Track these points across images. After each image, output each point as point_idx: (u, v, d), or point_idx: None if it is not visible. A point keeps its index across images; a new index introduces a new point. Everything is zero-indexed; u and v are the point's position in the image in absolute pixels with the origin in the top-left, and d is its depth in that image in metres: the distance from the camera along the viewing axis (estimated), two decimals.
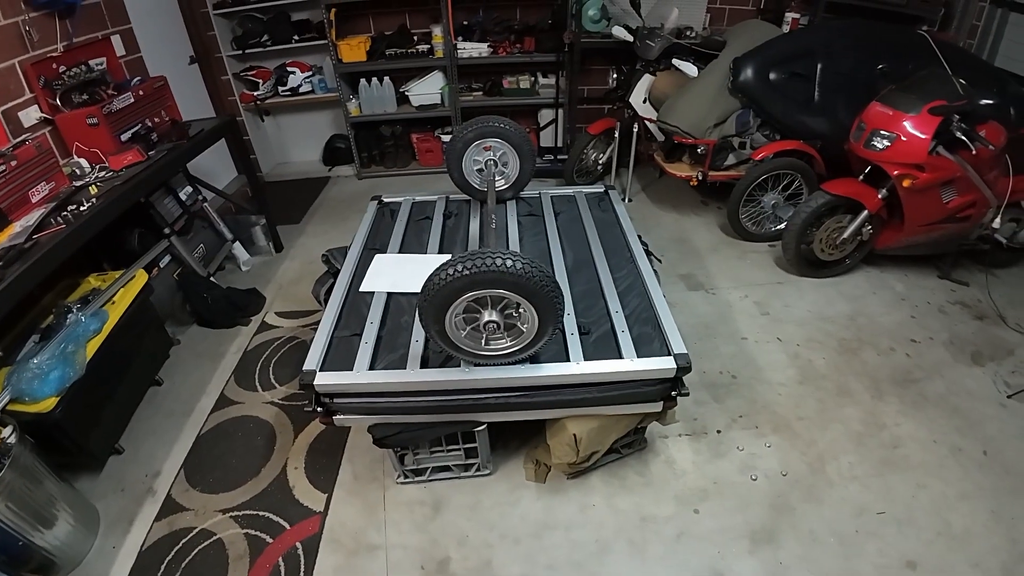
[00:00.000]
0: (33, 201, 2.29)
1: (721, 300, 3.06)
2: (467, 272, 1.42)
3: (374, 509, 2.11)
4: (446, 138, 4.40)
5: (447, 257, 2.12)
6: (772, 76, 3.13)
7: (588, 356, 1.75)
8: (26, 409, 1.96)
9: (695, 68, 3.28)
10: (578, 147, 3.90)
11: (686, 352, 1.74)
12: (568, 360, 1.73)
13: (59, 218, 2.18)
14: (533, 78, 4.20)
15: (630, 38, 3.50)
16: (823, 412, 2.37)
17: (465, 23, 4.02)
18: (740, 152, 3.28)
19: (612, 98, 3.82)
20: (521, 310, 1.55)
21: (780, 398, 2.44)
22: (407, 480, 2.14)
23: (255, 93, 4.17)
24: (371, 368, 1.78)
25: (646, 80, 3.54)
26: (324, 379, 1.76)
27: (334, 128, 4.74)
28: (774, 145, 3.16)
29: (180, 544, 2.03)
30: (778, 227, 3.40)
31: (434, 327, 1.57)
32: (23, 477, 1.82)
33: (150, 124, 2.92)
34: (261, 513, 2.13)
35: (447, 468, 2.12)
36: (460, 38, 3.96)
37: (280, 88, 4.20)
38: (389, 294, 2.07)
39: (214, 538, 2.05)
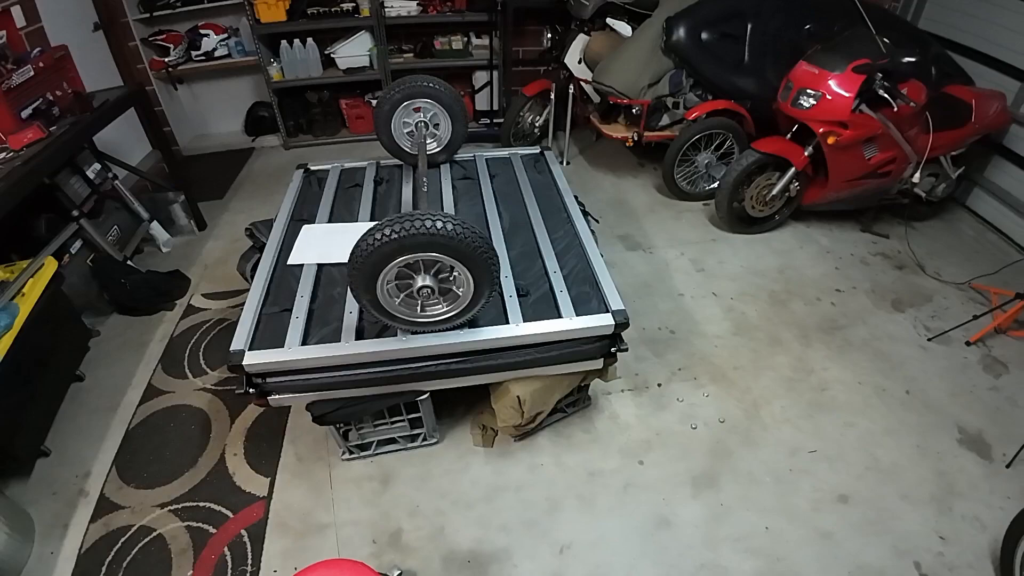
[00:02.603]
0: None
1: (658, 259, 3.13)
2: (395, 236, 1.35)
3: (321, 488, 2.05)
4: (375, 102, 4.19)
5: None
6: (704, 36, 3.15)
7: (527, 317, 1.74)
8: None
9: (629, 28, 3.25)
10: (514, 110, 3.82)
11: (624, 308, 1.76)
12: (507, 323, 1.71)
13: None
14: (466, 39, 4.04)
15: None
16: (756, 361, 2.49)
17: None
18: (674, 112, 3.31)
19: (547, 59, 3.74)
20: (456, 274, 1.50)
21: (716, 350, 2.55)
22: (353, 456, 2.09)
23: (166, 59, 3.77)
24: (303, 343, 1.69)
25: (580, 40, 3.48)
26: (254, 358, 1.66)
27: (256, 95, 4.39)
28: (706, 105, 3.21)
29: (119, 544, 1.90)
30: (711, 186, 3.50)
31: (365, 296, 1.50)
32: None
33: (51, 98, 2.59)
34: (202, 504, 2.02)
35: (393, 441, 2.08)
36: None
37: (193, 53, 3.83)
38: (319, 266, 1.97)
39: (154, 534, 1.93)
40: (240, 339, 1.70)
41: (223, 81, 4.31)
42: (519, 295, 1.83)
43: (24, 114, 2.42)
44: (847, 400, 2.32)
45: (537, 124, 4.00)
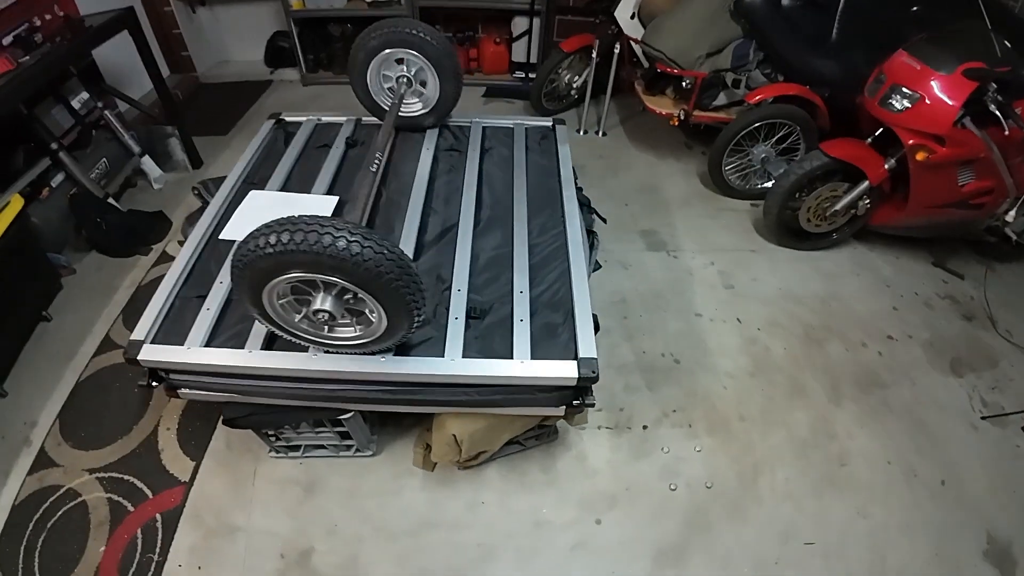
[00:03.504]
0: None
1: (682, 265, 2.68)
2: (272, 250, 1.04)
3: (243, 485, 1.87)
4: None
5: (334, 201, 1.72)
6: (785, 1, 2.51)
7: (469, 350, 1.41)
8: None
9: None
10: (548, 66, 3.31)
11: (594, 358, 1.40)
12: (443, 355, 1.39)
13: None
14: None
15: None
16: (769, 413, 2.08)
17: None
18: (733, 91, 2.73)
19: (595, 9, 3.17)
20: (362, 298, 1.18)
21: (724, 392, 2.14)
22: (280, 455, 1.89)
23: None
24: (208, 344, 1.45)
25: None
26: (152, 354, 1.43)
27: (277, 24, 4.05)
28: (774, 87, 2.61)
29: (48, 503, 1.84)
30: (765, 184, 2.94)
31: (254, 309, 1.22)
32: None
33: (38, 23, 2.39)
34: (126, 477, 1.91)
35: (323, 446, 1.86)
36: None
37: None
38: None
39: (79, 500, 1.85)
40: (142, 328, 1.47)
41: (245, 5, 3.99)
42: (470, 316, 1.50)
43: (5, 41, 2.23)
44: (868, 481, 1.89)
45: (575, 85, 3.49)
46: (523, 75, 3.86)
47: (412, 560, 1.70)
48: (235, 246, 1.11)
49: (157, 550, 1.74)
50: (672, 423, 2.03)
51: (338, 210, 1.78)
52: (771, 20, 2.52)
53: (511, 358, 1.38)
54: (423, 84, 1.97)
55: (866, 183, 2.31)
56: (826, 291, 2.55)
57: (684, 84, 2.75)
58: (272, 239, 1.05)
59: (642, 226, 2.88)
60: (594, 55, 3.15)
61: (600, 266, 2.03)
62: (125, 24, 2.71)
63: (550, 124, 2.22)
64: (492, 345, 1.44)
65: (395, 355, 1.39)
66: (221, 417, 1.65)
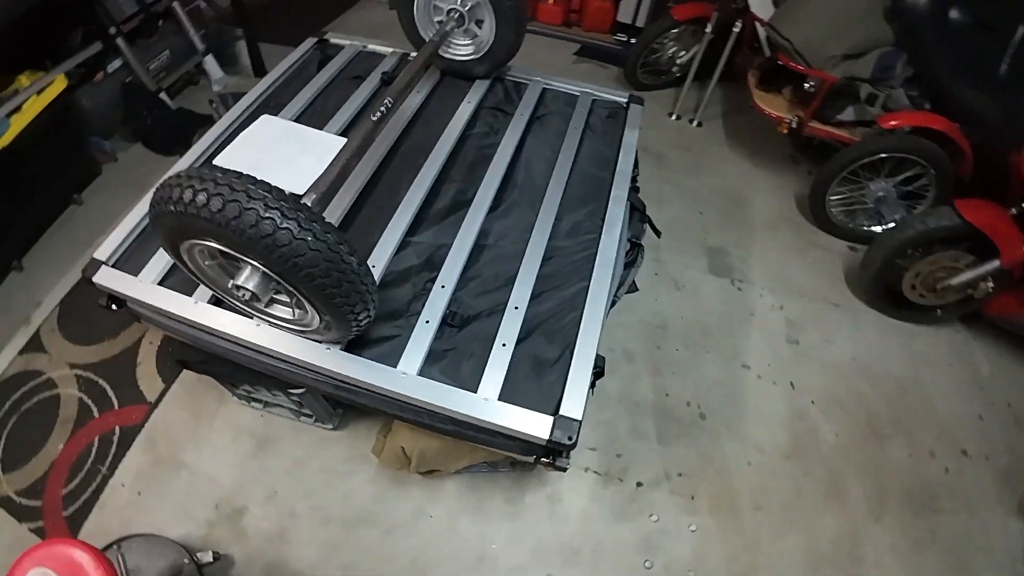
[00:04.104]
0: None
1: (745, 300, 2.26)
2: (178, 208, 0.82)
3: (202, 421, 1.79)
4: None
5: (342, 143, 1.49)
6: (954, 14, 1.94)
7: (430, 366, 1.17)
8: None
9: None
10: (651, 33, 2.85)
11: (578, 420, 1.11)
12: (395, 365, 1.15)
13: None
14: None
15: None
16: (792, 510, 1.71)
17: None
18: (864, 108, 2.18)
19: None
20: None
21: (747, 468, 1.79)
22: (243, 402, 1.78)
23: None
24: (161, 282, 1.30)
25: None
26: (106, 278, 1.32)
27: None
28: (916, 116, 2.05)
29: (27, 386, 1.88)
30: (873, 228, 2.40)
31: (176, 260, 1.03)
32: None
33: None
34: (100, 381, 1.89)
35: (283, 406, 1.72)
36: None
37: None
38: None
39: (54, 392, 1.87)
40: (107, 248, 1.36)
41: None
42: (446, 322, 1.24)
43: None
44: None
45: (679, 61, 2.99)
46: (624, 38, 3.38)
47: (338, 553, 1.55)
48: (154, 188, 0.90)
49: (107, 463, 1.71)
50: (672, 488, 1.72)
51: (365, 145, 1.55)
52: (933, 32, 1.94)
53: (475, 391, 1.12)
54: (479, 24, 1.65)
55: (996, 263, 1.79)
56: (908, 376, 2.06)
57: (807, 86, 2.22)
58: (176, 194, 0.83)
59: (711, 242, 2.46)
60: (708, 30, 2.64)
61: (636, 289, 1.70)
62: None
63: (625, 100, 1.84)
64: (460, 366, 1.18)
65: (345, 347, 1.17)
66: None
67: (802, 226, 2.58)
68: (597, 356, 1.24)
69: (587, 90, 1.85)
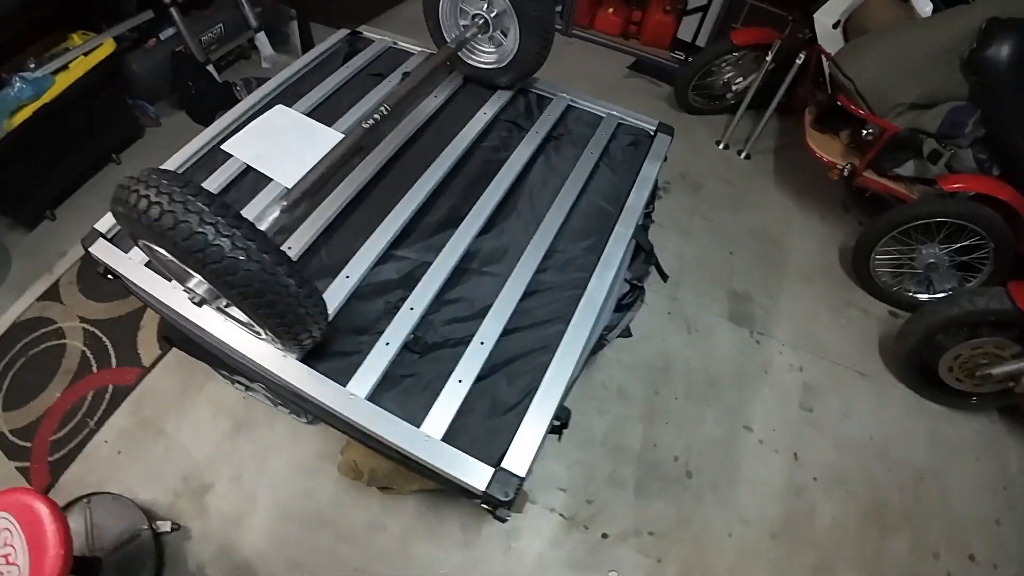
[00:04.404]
0: None
1: (762, 355, 2.10)
2: (123, 211, 0.82)
3: (188, 393, 1.84)
4: None
5: (338, 138, 1.47)
6: None
7: (383, 391, 1.13)
8: None
9: (930, 4, 1.87)
10: (707, 55, 2.69)
11: (521, 477, 1.03)
12: (344, 385, 1.11)
13: None
14: None
15: None
16: None
17: None
18: (926, 164, 1.95)
19: (793, 2, 2.43)
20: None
21: (727, 540, 1.66)
22: (225, 381, 1.80)
23: None
24: (149, 263, 1.31)
25: None
26: (100, 250, 1.35)
27: None
28: (982, 181, 1.84)
29: (39, 332, 1.99)
30: (919, 296, 2.17)
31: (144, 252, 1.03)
32: None
33: None
34: (104, 339, 1.98)
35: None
36: None
37: None
38: (248, 167, 1.51)
39: (61, 341, 1.97)
40: (108, 220, 1.39)
41: None
42: (407, 346, 1.19)
43: None
44: None
45: (735, 87, 2.81)
46: (683, 57, 3.22)
47: (288, 548, 1.56)
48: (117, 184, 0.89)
49: (96, 418, 1.79)
50: (640, 546, 1.62)
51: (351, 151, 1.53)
52: (1014, 92, 1.71)
53: (418, 426, 1.07)
54: (504, 33, 1.58)
55: None
56: (928, 465, 1.86)
57: (865, 132, 2.02)
58: (124, 195, 0.83)
59: (737, 286, 2.30)
60: (768, 57, 2.46)
61: (630, 334, 1.59)
62: None
63: (653, 128, 1.72)
64: (413, 396, 1.13)
65: (301, 356, 1.15)
66: None
67: (842, 282, 2.37)
68: (562, 408, 1.16)
69: (614, 112, 1.75)
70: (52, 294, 2.07)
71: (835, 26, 2.24)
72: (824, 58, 2.25)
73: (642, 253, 1.52)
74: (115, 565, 1.41)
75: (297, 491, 1.65)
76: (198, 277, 0.93)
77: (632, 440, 1.83)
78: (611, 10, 3.27)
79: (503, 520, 1.13)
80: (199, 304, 1.00)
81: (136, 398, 1.83)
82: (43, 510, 1.16)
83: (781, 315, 2.23)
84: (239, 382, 1.76)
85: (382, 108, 1.30)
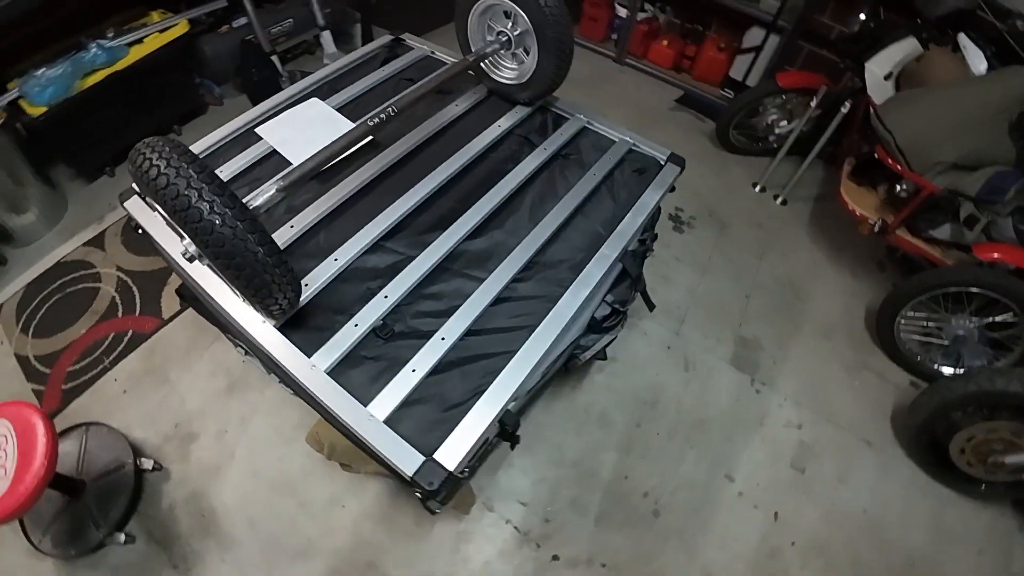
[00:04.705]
0: None
1: (759, 405, 2.02)
2: (132, 167, 0.94)
3: (195, 349, 1.99)
4: (622, 12, 3.34)
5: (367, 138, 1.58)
6: None
7: (345, 368, 1.18)
8: (26, 108, 2.15)
9: (984, 62, 1.78)
10: (752, 95, 2.65)
11: (448, 472, 1.05)
12: (309, 356, 1.18)
13: None
14: None
15: None
16: None
17: None
18: (962, 229, 1.83)
19: (845, 49, 2.36)
20: None
21: None
22: (231, 344, 1.93)
23: None
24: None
25: (907, 47, 2.07)
26: (133, 206, 1.49)
27: None
28: (1020, 253, 1.69)
29: (79, 273, 2.21)
30: (943, 368, 2.02)
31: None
32: None
33: None
34: (133, 288, 2.17)
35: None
36: None
37: None
38: (275, 151, 1.64)
39: (97, 285, 2.17)
40: None
41: None
42: (375, 332, 1.25)
43: None
44: None
45: (778, 130, 2.74)
46: (732, 95, 3.17)
47: (252, 506, 1.64)
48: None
49: (111, 358, 1.96)
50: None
51: (366, 148, 1.63)
52: None
53: (366, 405, 1.12)
54: (526, 51, 1.64)
55: None
56: (924, 550, 1.70)
57: (899, 188, 1.92)
58: (134, 156, 0.95)
59: (746, 331, 2.23)
60: (813, 103, 2.39)
61: (605, 357, 1.58)
62: None
63: (664, 157, 1.72)
64: (368, 377, 1.18)
65: (282, 325, 1.23)
66: None
67: (863, 343, 2.24)
68: (510, 415, 1.18)
69: (627, 138, 1.76)
70: (97, 242, 2.29)
71: (887, 77, 2.15)
72: (872, 108, 2.16)
73: (628, 279, 1.52)
74: (97, 490, 1.54)
75: (272, 456, 1.74)
76: (187, 238, 1.03)
77: (604, 468, 1.80)
78: (665, 42, 3.28)
79: (433, 512, 1.17)
80: (190, 260, 1.10)
81: (150, 345, 1.99)
82: (40, 426, 1.30)
83: (789, 368, 2.14)
84: (241, 347, 1.88)
85: (389, 108, 1.38)
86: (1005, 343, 1.86)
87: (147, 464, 1.63)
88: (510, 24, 1.61)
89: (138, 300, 2.12)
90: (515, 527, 1.65)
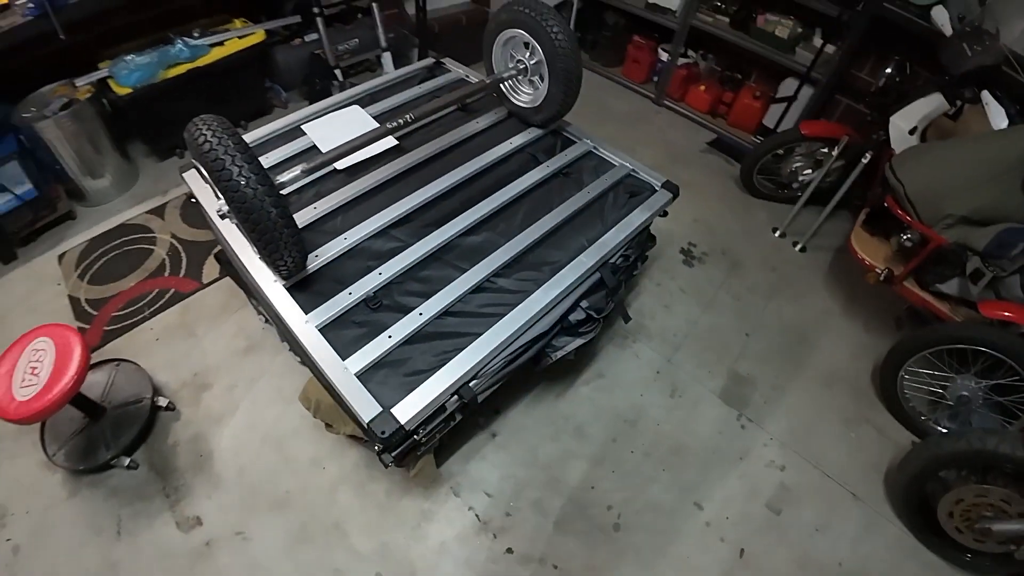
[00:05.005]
0: None
1: (743, 441, 2.00)
2: (187, 134, 1.18)
3: (226, 312, 2.22)
4: (664, 56, 3.50)
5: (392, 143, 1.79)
6: None
7: (335, 328, 1.36)
8: (113, 87, 2.53)
9: (1005, 117, 1.78)
10: (775, 141, 2.70)
11: (400, 425, 1.18)
12: (308, 312, 1.35)
13: None
14: (799, 30, 2.85)
15: (948, 31, 2.01)
16: None
17: None
18: (969, 284, 1.79)
19: (873, 102, 2.38)
20: None
21: None
22: (255, 311, 2.14)
23: None
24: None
25: (933, 103, 2.08)
26: (190, 177, 1.73)
27: None
28: None
29: (138, 235, 2.52)
30: (946, 427, 1.94)
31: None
32: (81, 125, 2.41)
33: None
34: (182, 253, 2.45)
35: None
36: None
37: None
38: (314, 144, 1.87)
39: (152, 247, 2.47)
40: None
41: None
42: (366, 302, 1.41)
43: None
44: None
45: (802, 177, 2.77)
46: (760, 140, 3.22)
47: (242, 455, 1.80)
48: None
49: (150, 311, 2.21)
50: (538, 574, 1.62)
51: (392, 152, 1.84)
52: None
53: (344, 359, 1.27)
54: (541, 79, 1.81)
55: None
56: None
57: (904, 238, 1.92)
58: (191, 126, 1.17)
59: (741, 368, 2.22)
60: (833, 153, 2.42)
61: (572, 357, 1.64)
62: None
63: (659, 183, 1.82)
64: (352, 338, 1.33)
65: (289, 284, 1.41)
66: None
67: (866, 398, 2.17)
68: (466, 389, 1.29)
69: (627, 164, 1.88)
70: (158, 211, 2.62)
71: (912, 131, 2.16)
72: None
73: (605, 288, 1.61)
74: (115, 417, 1.75)
75: (270, 414, 1.90)
76: (222, 198, 1.24)
77: (572, 475, 1.84)
78: (703, 87, 3.39)
79: (385, 465, 1.27)
80: (222, 217, 1.31)
81: (186, 304, 2.24)
82: (77, 348, 1.52)
83: (781, 409, 2.11)
84: (262, 315, 2.09)
85: (408, 115, 1.58)
86: (1012, 408, 1.78)
87: (163, 403, 1.84)
88: (528, 54, 1.79)
89: (184, 264, 2.39)
90: (477, 515, 1.72)
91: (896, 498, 1.82)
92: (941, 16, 2.07)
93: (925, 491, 1.70)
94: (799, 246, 2.75)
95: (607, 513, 1.77)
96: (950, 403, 1.91)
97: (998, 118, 1.85)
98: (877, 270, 2.07)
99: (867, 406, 2.14)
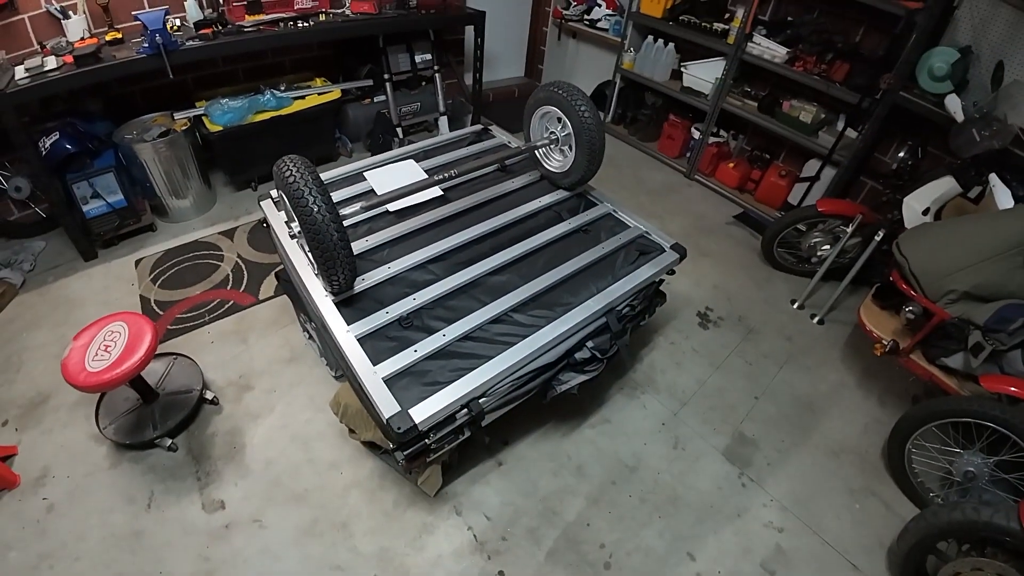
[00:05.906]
0: (296, 7, 3.08)
1: (742, 499, 2.04)
2: (276, 169, 1.49)
3: (276, 326, 2.49)
4: (696, 134, 3.78)
5: (438, 192, 2.09)
6: None
7: (372, 339, 1.57)
8: (207, 124, 2.98)
9: (1011, 199, 1.89)
10: (793, 216, 2.86)
11: (414, 424, 1.36)
12: (350, 323, 1.58)
13: (300, 23, 2.97)
14: (822, 115, 3.07)
15: (960, 118, 2.18)
16: None
17: (788, 19, 3.14)
18: (970, 358, 1.84)
19: (888, 183, 2.53)
20: None
21: None
22: (301, 328, 2.39)
23: (564, 12, 4.35)
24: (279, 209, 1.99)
25: (945, 186, 2.23)
26: (267, 206, 2.06)
27: (608, 74, 4.55)
28: None
29: (206, 251, 2.89)
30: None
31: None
32: (174, 152, 2.84)
33: None
34: (244, 272, 2.78)
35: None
36: (762, 30, 3.15)
37: (585, 16, 4.25)
38: (372, 189, 2.17)
39: (219, 263, 2.82)
40: None
41: (598, 49, 4.55)
42: (399, 321, 1.63)
43: None
44: None
45: (820, 253, 2.89)
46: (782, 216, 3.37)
47: (269, 449, 2.00)
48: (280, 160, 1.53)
49: (210, 316, 2.51)
50: None
51: (437, 200, 2.12)
52: None
53: (375, 365, 1.47)
54: (570, 148, 2.07)
55: None
56: None
57: (906, 310, 2.00)
58: (281, 163, 1.47)
59: (746, 429, 2.28)
60: (848, 229, 2.55)
61: (576, 392, 1.77)
62: (473, 21, 3.61)
63: (668, 244, 2.01)
64: (384, 349, 1.54)
65: (337, 299, 1.66)
66: None
67: (875, 471, 2.18)
68: (475, 403, 1.47)
69: (641, 227, 2.08)
70: (229, 233, 2.99)
71: (925, 212, 2.29)
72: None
73: (609, 332, 1.77)
74: (165, 402, 2.00)
75: (302, 417, 2.10)
76: (296, 221, 1.52)
77: (568, 510, 1.92)
78: (732, 165, 3.62)
79: (399, 462, 1.43)
80: (292, 238, 1.59)
81: (242, 315, 2.53)
82: (148, 336, 1.78)
83: (785, 473, 2.14)
84: (307, 331, 2.34)
85: (454, 171, 1.87)
86: (1019, 486, 1.76)
87: (209, 396, 2.08)
88: (559, 127, 2.07)
89: (245, 281, 2.71)
90: (474, 535, 1.82)
91: (896, 570, 1.80)
92: (953, 104, 2.25)
93: (925, 566, 1.69)
94: (817, 318, 2.83)
95: (599, 551, 1.83)
96: (956, 475, 1.91)
97: (1004, 199, 1.96)
98: (883, 341, 2.14)
99: (875, 479, 2.14)
